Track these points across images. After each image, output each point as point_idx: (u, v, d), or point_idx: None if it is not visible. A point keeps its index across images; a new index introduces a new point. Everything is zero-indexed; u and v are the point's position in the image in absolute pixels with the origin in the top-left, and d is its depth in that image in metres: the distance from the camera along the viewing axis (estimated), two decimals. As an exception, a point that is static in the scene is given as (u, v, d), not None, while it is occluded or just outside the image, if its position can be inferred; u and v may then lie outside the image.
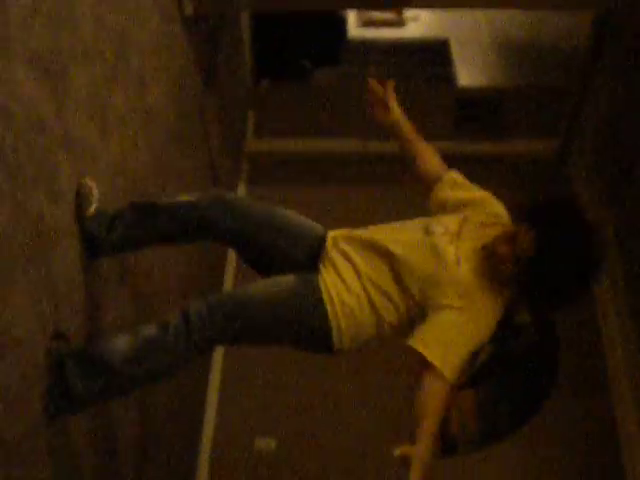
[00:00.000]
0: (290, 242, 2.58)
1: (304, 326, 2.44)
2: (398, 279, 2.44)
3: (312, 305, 2.43)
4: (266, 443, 4.45)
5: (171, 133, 3.56)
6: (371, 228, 2.61)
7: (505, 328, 2.64)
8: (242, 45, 5.77)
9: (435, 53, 7.58)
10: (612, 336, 4.70)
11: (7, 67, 1.95)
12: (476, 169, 5.40)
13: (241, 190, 5.53)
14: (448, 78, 7.21)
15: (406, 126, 2.71)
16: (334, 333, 2.43)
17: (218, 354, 4.77)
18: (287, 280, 2.47)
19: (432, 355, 2.29)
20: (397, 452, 2.12)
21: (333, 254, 2.52)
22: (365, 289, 2.44)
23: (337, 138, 5.74)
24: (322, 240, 2.58)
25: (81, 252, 2.45)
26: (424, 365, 2.30)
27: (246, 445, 4.47)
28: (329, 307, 2.42)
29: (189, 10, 3.76)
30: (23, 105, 2.04)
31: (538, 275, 2.34)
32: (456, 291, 2.37)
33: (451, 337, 2.33)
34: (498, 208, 2.62)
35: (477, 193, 2.66)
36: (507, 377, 2.58)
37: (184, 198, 2.60)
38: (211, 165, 4.54)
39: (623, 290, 4.63)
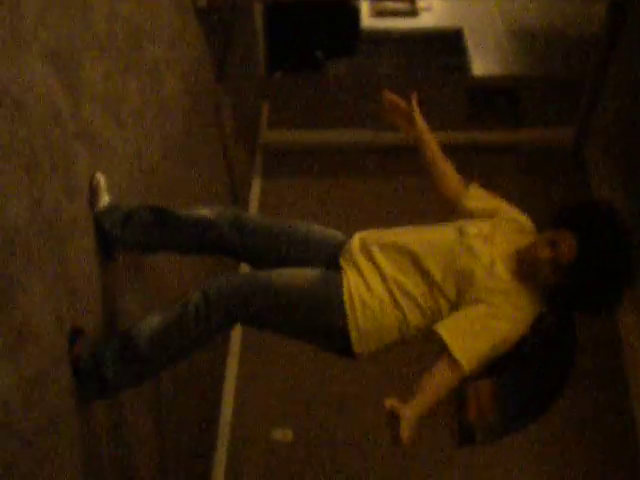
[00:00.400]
0: (312, 255, 2.58)
1: (323, 320, 2.43)
2: (429, 281, 2.43)
3: (332, 301, 2.42)
4: (283, 434, 4.46)
5: (185, 124, 3.55)
6: (400, 230, 2.60)
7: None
8: (255, 36, 5.77)
9: (449, 42, 7.56)
10: (629, 331, 4.69)
11: (22, 61, 1.95)
12: (491, 158, 5.41)
13: (255, 182, 5.52)
14: (462, 67, 7.19)
15: (431, 142, 2.70)
16: (353, 334, 2.42)
17: (235, 345, 4.78)
18: (311, 273, 2.47)
19: (454, 343, 2.30)
20: (388, 402, 2.15)
21: (358, 256, 2.51)
22: (390, 292, 2.43)
23: (351, 129, 5.71)
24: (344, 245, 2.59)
25: (97, 246, 2.46)
26: (444, 351, 2.31)
27: (263, 436, 4.48)
28: (348, 307, 2.41)
29: (202, 1, 3.76)
30: (38, 98, 2.04)
31: (577, 281, 2.34)
32: (490, 289, 2.37)
33: (477, 330, 2.33)
34: (524, 219, 2.64)
35: (503, 204, 2.67)
36: (522, 370, 2.58)
37: (202, 212, 2.58)
38: (225, 156, 4.54)
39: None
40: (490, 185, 4.89)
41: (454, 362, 2.29)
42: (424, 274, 2.43)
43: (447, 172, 2.70)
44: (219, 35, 4.31)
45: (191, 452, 3.90)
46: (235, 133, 4.79)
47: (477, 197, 2.68)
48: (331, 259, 2.56)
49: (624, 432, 4.45)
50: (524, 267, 2.42)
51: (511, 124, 5.62)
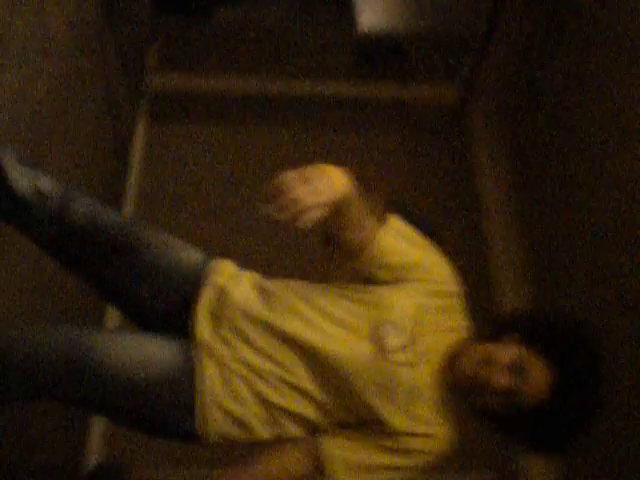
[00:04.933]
0: (155, 290, 1.98)
1: (161, 422, 1.88)
2: (324, 406, 1.88)
3: (179, 407, 1.85)
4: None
5: (71, 64, 3.48)
6: (287, 301, 1.92)
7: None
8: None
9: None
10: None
11: None
12: (375, 113, 5.44)
13: (140, 129, 5.39)
14: (350, 21, 7.20)
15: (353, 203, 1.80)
16: (202, 438, 1.90)
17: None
18: (156, 355, 1.85)
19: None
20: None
21: (211, 340, 1.90)
22: (265, 406, 1.88)
23: (244, 76, 5.64)
24: (201, 279, 1.98)
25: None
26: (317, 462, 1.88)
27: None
28: (200, 416, 1.86)
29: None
30: None
31: (536, 421, 1.81)
32: (396, 434, 1.86)
33: (376, 468, 1.87)
34: (446, 276, 1.99)
35: (426, 255, 1.98)
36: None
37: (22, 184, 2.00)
38: (109, 99, 4.44)
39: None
40: (371, 142, 4.91)
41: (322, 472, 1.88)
42: (316, 398, 1.88)
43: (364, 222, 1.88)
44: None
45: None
46: (121, 75, 4.69)
47: (389, 249, 1.91)
48: (183, 296, 1.97)
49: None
50: (461, 387, 1.88)
51: (397, 79, 5.68)
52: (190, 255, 2.01)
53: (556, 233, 4.13)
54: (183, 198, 4.84)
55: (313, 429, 1.89)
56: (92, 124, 4.00)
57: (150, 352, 1.83)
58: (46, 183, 2.02)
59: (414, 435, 1.85)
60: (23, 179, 1.98)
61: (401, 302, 1.89)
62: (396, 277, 1.92)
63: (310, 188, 1.56)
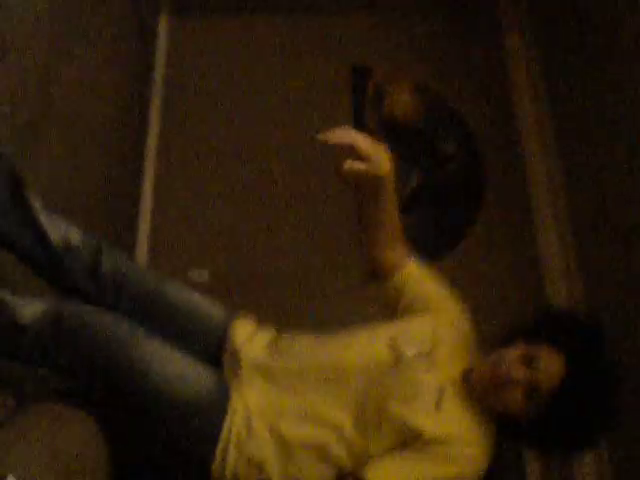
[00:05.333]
0: (189, 336, 2.06)
1: (185, 447, 1.86)
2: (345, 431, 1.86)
3: (205, 434, 1.86)
4: (199, 274, 4.46)
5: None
6: (293, 346, 2.03)
7: (432, 158, 2.66)
8: None
9: None
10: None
11: None
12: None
13: (163, 21, 5.19)
14: None
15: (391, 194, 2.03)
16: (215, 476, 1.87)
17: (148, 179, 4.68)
18: (198, 381, 1.90)
19: None
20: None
21: (239, 379, 1.97)
22: (281, 442, 1.86)
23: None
24: (223, 335, 2.07)
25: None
26: None
27: (180, 276, 4.45)
28: (219, 450, 1.85)
29: None
30: None
31: (556, 414, 1.82)
32: (436, 439, 1.82)
33: None
34: (462, 316, 2.15)
35: (442, 290, 2.17)
36: (435, 204, 2.60)
37: (58, 235, 2.03)
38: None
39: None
40: (397, 26, 4.60)
41: None
42: (340, 426, 1.87)
43: (396, 233, 2.11)
44: None
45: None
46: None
47: (414, 277, 2.14)
48: (205, 348, 2.05)
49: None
50: (480, 392, 1.91)
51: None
52: (213, 312, 2.13)
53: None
54: (208, 91, 4.77)
55: (337, 468, 1.86)
56: (116, 18, 3.93)
57: (191, 372, 1.90)
58: (75, 235, 2.06)
59: (449, 443, 1.83)
60: (52, 229, 2.04)
61: (419, 324, 2.05)
62: (415, 307, 2.11)
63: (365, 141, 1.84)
